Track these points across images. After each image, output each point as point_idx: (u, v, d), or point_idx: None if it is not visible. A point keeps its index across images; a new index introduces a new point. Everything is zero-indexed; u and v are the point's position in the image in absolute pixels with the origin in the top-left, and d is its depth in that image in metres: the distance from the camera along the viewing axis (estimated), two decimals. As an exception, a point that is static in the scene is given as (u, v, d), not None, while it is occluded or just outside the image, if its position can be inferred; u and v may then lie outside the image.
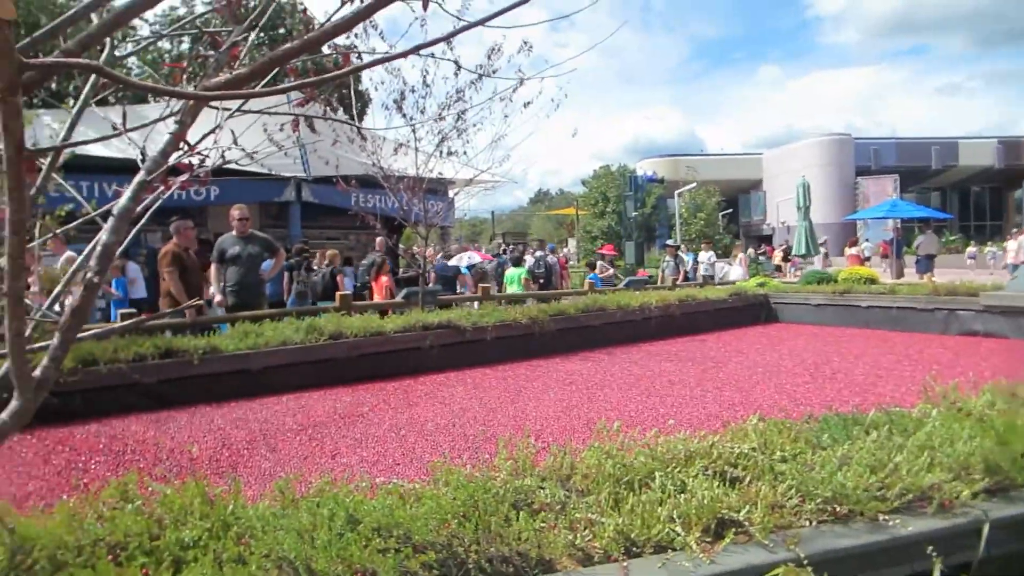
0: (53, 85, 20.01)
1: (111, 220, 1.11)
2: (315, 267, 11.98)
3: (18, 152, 0.77)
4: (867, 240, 30.33)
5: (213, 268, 7.93)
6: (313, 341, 6.90)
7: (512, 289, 12.90)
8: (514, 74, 8.09)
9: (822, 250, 20.89)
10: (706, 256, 18.07)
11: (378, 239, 11.45)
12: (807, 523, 2.28)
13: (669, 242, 18.35)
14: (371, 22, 8.36)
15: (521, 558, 2.03)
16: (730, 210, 41.42)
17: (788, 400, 5.92)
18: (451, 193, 15.89)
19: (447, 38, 1.66)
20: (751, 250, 26.14)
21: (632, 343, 9.30)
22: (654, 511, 2.24)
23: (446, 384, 6.76)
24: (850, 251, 21.76)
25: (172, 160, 1.29)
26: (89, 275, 1.03)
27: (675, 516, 2.21)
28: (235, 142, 1.81)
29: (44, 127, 11.63)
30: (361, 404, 5.88)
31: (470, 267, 15.08)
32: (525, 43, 8.40)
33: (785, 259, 25.33)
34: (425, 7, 1.90)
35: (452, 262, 15.39)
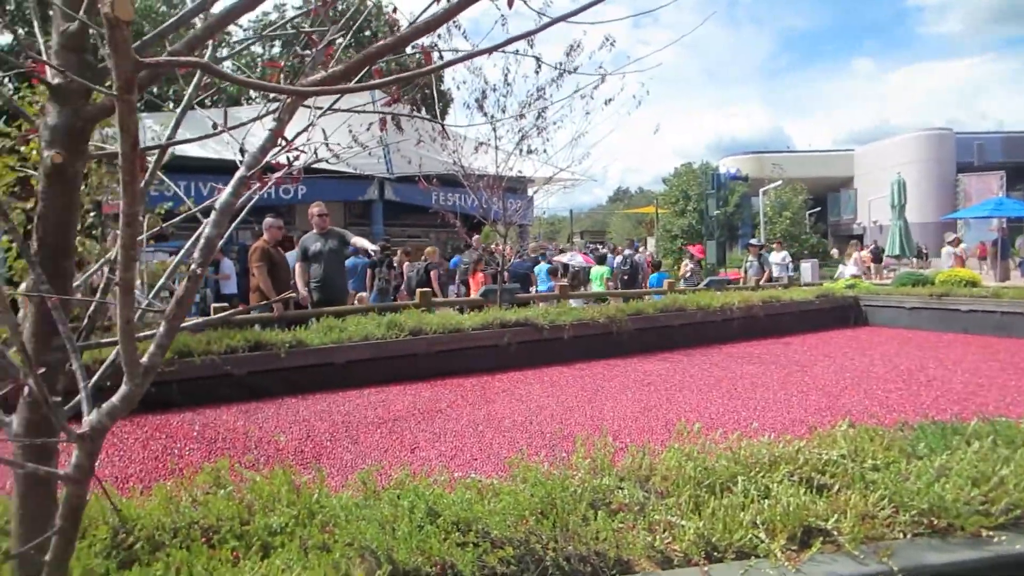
0: (154, 89, 21.18)
1: (213, 214, 1.16)
2: (395, 264, 12.22)
3: (133, 148, 0.82)
4: (962, 242, 28.72)
5: (298, 266, 8.19)
6: (394, 337, 7.04)
7: (594, 287, 13.03)
8: (595, 71, 8.04)
9: (920, 250, 19.86)
10: (779, 256, 17.19)
11: (475, 237, 11.65)
12: (901, 535, 2.17)
13: (752, 241, 17.75)
14: (454, 22, 8.49)
15: (599, 558, 2.02)
16: (818, 209, 39.93)
17: (879, 407, 5.67)
18: (530, 191, 15.93)
19: (529, 35, 1.66)
20: (864, 250, 24.87)
21: (712, 344, 9.10)
22: (736, 516, 2.18)
23: (523, 382, 6.78)
24: (952, 250, 20.54)
25: (268, 157, 1.35)
26: (192, 267, 1.09)
27: (758, 522, 2.15)
28: (326, 140, 1.87)
29: (146, 129, 12.31)
30: (439, 399, 5.97)
31: (564, 268, 15.08)
32: (607, 39, 8.34)
33: (875, 260, 24.19)
34: (510, 5, 1.91)
35: (560, 258, 15.67)
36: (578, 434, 4.48)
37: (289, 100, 1.26)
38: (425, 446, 4.51)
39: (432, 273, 11.77)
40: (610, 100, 8.63)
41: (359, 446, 4.53)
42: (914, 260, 23.24)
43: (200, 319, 2.23)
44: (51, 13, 1.27)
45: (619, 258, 15.64)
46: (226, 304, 8.71)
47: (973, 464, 2.50)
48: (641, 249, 23.32)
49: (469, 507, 2.18)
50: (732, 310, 9.83)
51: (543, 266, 14.24)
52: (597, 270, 14.07)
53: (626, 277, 14.64)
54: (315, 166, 2.71)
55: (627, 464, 2.62)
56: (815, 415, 5.42)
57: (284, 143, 1.42)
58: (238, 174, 1.23)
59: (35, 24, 1.50)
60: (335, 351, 6.63)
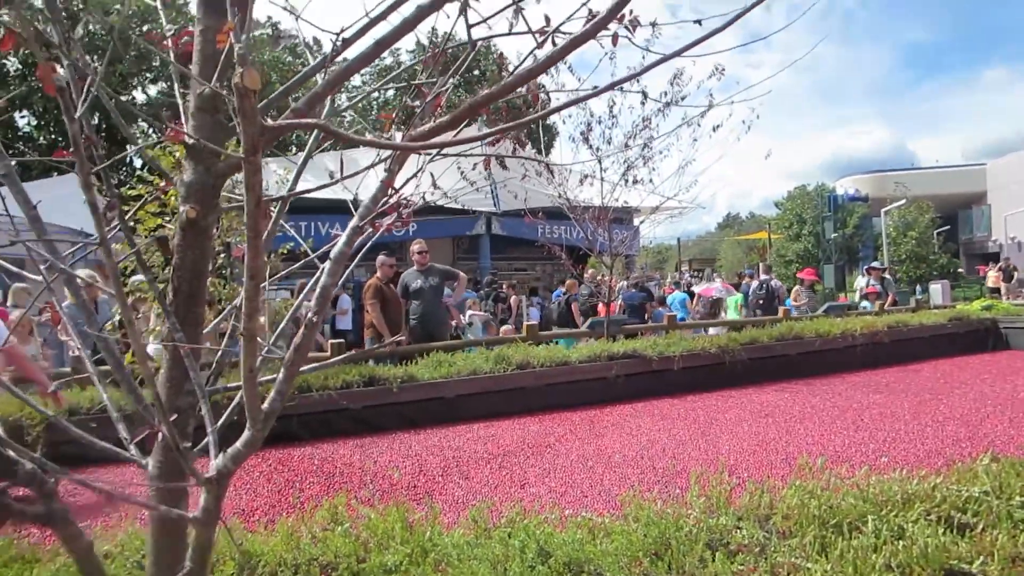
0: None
1: (328, 263, 1.23)
2: (503, 295, 12.40)
3: (257, 206, 0.88)
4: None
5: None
6: (501, 371, 7.10)
7: (729, 314, 13.07)
8: (704, 99, 7.96)
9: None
10: (863, 282, 15.82)
11: (589, 271, 11.75)
12: (1058, 583, 1.97)
13: (875, 264, 16.71)
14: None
15: (718, 601, 1.94)
16: (947, 227, 37.44)
17: (1027, 438, 5.21)
18: (636, 221, 15.81)
19: (637, 75, 1.67)
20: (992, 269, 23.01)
21: (834, 373, 8.63)
22: (868, 558, 2.04)
23: (633, 415, 6.66)
24: None
25: (382, 206, 1.42)
26: (309, 315, 1.15)
27: (893, 565, 2.01)
28: (434, 184, 1.94)
29: (271, 173, 13.13)
30: (548, 434, 5.95)
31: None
32: (716, 68, 8.23)
33: (1007, 279, 22.29)
34: (614, 42, 1.93)
35: (699, 289, 15.79)
36: (692, 469, 4.36)
37: (398, 152, 1.33)
38: (535, 481, 4.50)
39: (573, 305, 12.04)
40: (718, 127, 8.48)
41: (470, 481, 4.57)
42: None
43: (315, 364, 2.34)
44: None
45: (755, 283, 15.37)
46: (342, 340, 9.05)
47: None
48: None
49: (580, 547, 2.15)
50: (854, 337, 9.32)
51: (678, 295, 14.50)
52: (732, 297, 14.11)
53: (762, 302, 14.29)
54: (429, 204, 2.81)
55: (745, 502, 2.51)
56: (953, 446, 5.04)
57: (394, 192, 1.48)
58: (351, 224, 1.30)
59: (175, 81, 1.65)
60: (444, 385, 6.76)
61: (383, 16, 1.25)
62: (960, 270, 31.72)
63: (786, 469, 4.52)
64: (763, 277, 15.55)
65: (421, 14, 1.15)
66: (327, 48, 1.40)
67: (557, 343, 9.18)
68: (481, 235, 17.08)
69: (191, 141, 1.23)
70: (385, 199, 1.45)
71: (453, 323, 10.78)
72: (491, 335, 10.88)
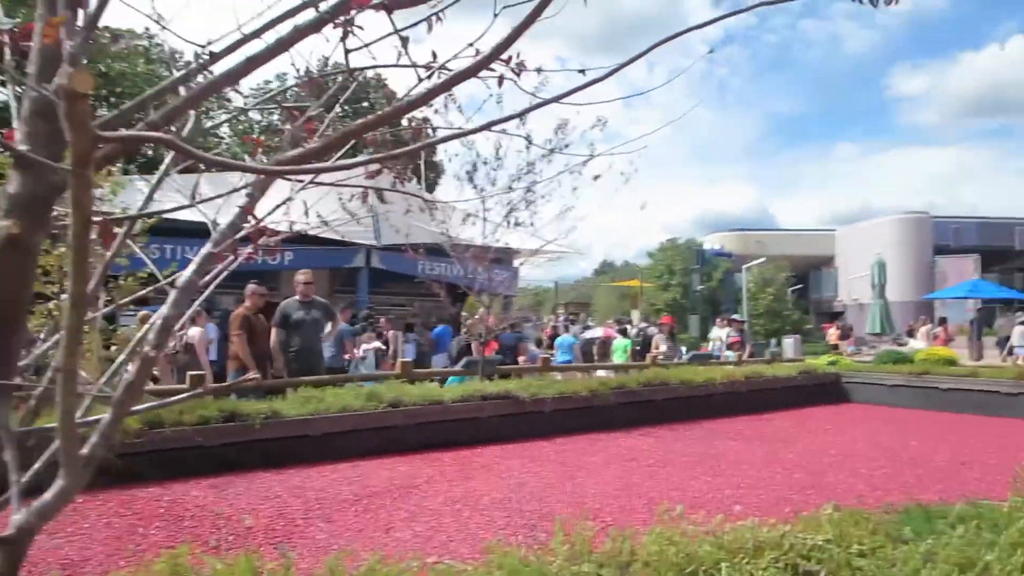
0: (150, 152, 21.36)
1: (173, 293, 1.12)
2: (379, 330, 12.16)
3: (84, 226, 0.79)
4: (931, 323, 29.16)
5: (274, 332, 8.09)
6: (372, 408, 6.92)
7: (616, 358, 13.96)
8: (586, 148, 8.23)
9: (910, 328, 20.01)
10: (722, 333, 16.39)
11: (480, 311, 11.72)
12: (888, 628, 2.10)
13: (735, 316, 17.73)
14: (450, 96, 8.68)
15: (576, 651, 1.92)
16: (800, 286, 40.42)
17: (864, 485, 5.60)
18: (516, 263, 16.04)
19: (518, 116, 1.68)
20: (832, 327, 25.05)
21: (695, 420, 9.01)
22: (719, 606, 2.10)
23: (504, 456, 6.65)
24: (928, 330, 20.60)
25: (242, 232, 1.33)
26: (146, 349, 1.04)
27: (742, 613, 2.07)
28: (306, 213, 1.85)
29: (137, 192, 12.32)
30: (417, 475, 5.82)
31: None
32: (599, 119, 8.55)
33: (843, 337, 24.39)
34: (500, 84, 1.94)
35: (587, 334, 16.50)
36: (558, 514, 4.37)
37: (262, 177, 1.25)
38: (400, 526, 4.36)
39: (474, 344, 12.06)
40: (598, 177, 8.77)
41: (332, 525, 4.36)
42: (892, 338, 23.44)
43: (156, 402, 2.16)
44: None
45: (634, 330, 16.33)
46: (201, 372, 8.54)
47: (959, 549, 2.44)
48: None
49: (441, 594, 2.08)
50: (715, 385, 9.80)
51: (566, 337, 15.10)
52: (619, 342, 14.87)
53: (639, 348, 15.03)
54: (303, 233, 2.69)
55: (608, 548, 2.53)
56: (799, 493, 5.34)
57: (255, 220, 1.40)
58: (203, 251, 1.20)
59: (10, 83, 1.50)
60: (312, 423, 6.49)
61: (257, 34, 1.19)
62: (809, 326, 34.22)
63: (647, 513, 4.62)
64: (642, 324, 16.32)
65: (297, 35, 1.10)
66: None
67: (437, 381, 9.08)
68: (360, 268, 16.75)
69: (21, 147, 1.11)
70: (246, 226, 1.36)
71: (347, 356, 10.50)
72: (386, 369, 10.65)
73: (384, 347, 12.04)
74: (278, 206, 1.62)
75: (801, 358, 15.18)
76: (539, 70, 1.88)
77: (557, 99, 1.74)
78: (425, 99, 1.15)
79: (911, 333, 23.32)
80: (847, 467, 6.32)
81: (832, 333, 25.31)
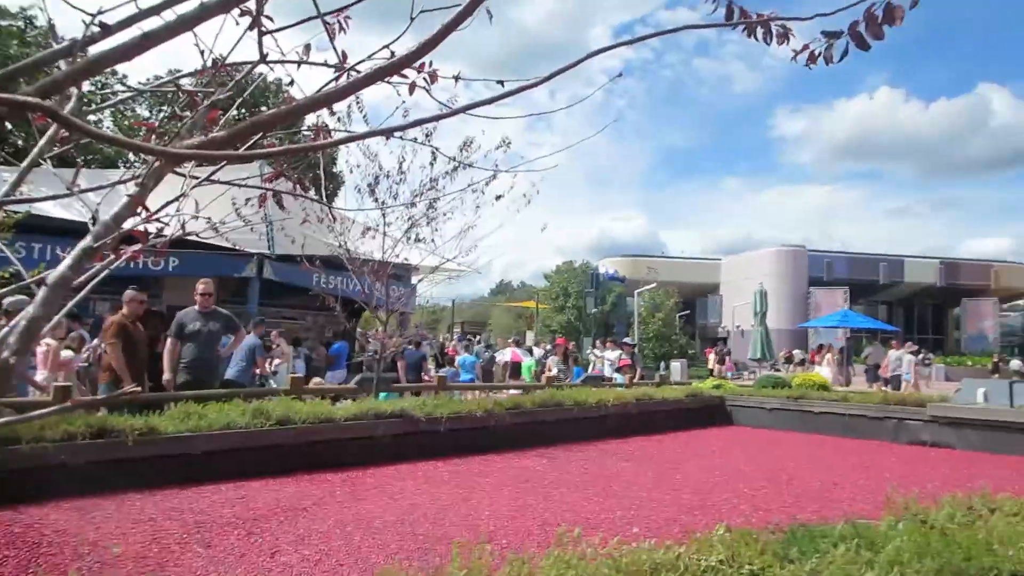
0: (20, 142, 19.77)
1: (43, 290, 0.98)
2: (270, 344, 11.70)
3: None
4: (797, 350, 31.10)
5: (169, 342, 7.66)
6: (259, 426, 6.59)
7: (524, 378, 14.72)
8: (491, 167, 8.26)
9: (780, 356, 21.12)
10: (613, 355, 16.61)
11: (377, 327, 11.46)
12: (779, 647, 2.14)
13: (626, 340, 18.24)
14: (357, 102, 8.50)
15: None
16: (687, 312, 42.06)
17: (747, 505, 5.80)
18: (414, 279, 15.87)
19: (417, 124, 1.62)
20: (712, 352, 26.34)
21: (588, 441, 9.13)
22: (618, 630, 2.08)
23: (396, 477, 6.48)
24: (831, 356, 21.33)
25: (128, 227, 1.19)
26: (6, 355, 0.90)
27: (641, 636, 2.06)
28: (197, 212, 1.71)
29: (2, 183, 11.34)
30: (306, 496, 5.57)
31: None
32: (504, 140, 8.59)
33: (720, 362, 25.69)
34: (411, 91, 1.88)
35: (500, 357, 17.02)
36: (454, 537, 4.28)
37: (157, 164, 1.14)
38: (287, 550, 4.14)
39: (400, 361, 11.89)
40: (500, 196, 8.80)
41: (212, 551, 4.08)
42: (769, 364, 24.73)
43: (13, 417, 1.94)
44: None
45: (540, 351, 17.03)
46: (68, 384, 7.92)
47: (841, 568, 2.54)
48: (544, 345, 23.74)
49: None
50: (607, 407, 9.97)
51: (468, 357, 15.61)
52: (527, 362, 15.56)
53: (540, 370, 15.58)
54: (189, 238, 2.52)
55: (505, 573, 2.48)
56: (687, 514, 5.46)
57: (145, 213, 1.27)
58: (81, 244, 1.07)
59: None
60: (192, 440, 6.10)
61: (157, 10, 1.08)
62: (695, 351, 35.65)
63: (542, 535, 4.60)
64: (548, 347, 16.75)
65: (204, 13, 1.00)
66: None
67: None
68: (251, 278, 16.09)
69: None
70: (135, 221, 1.23)
71: (257, 371, 10.07)
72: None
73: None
74: (170, 202, 1.48)
75: (688, 381, 15.74)
76: (456, 78, 1.84)
77: (464, 109, 1.69)
78: (337, 96, 1.07)
79: (789, 360, 24.77)
80: (731, 488, 6.53)
81: (711, 358, 26.56)
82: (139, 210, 1.20)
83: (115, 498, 5.20)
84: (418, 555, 4.07)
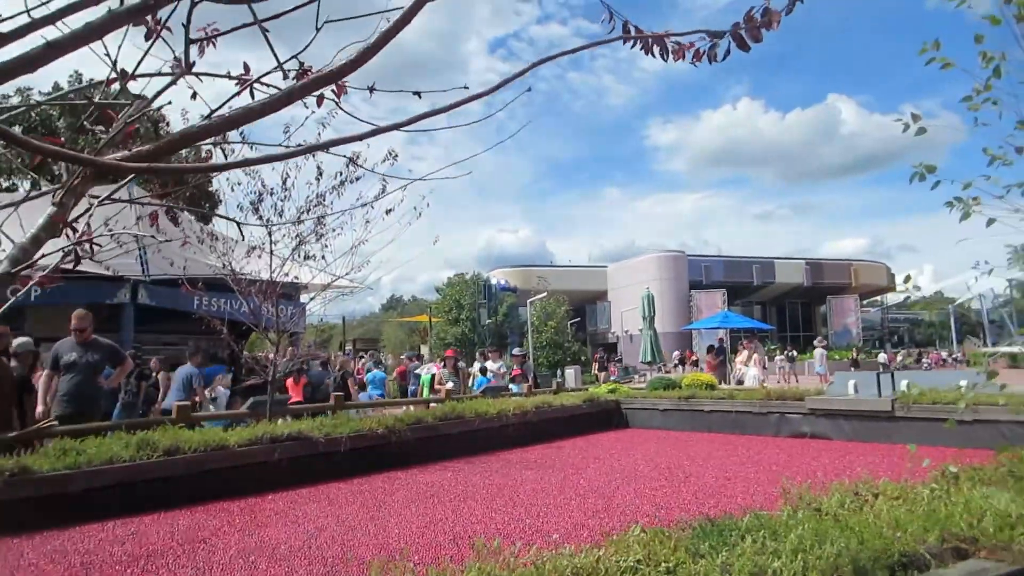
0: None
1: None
2: (147, 372, 11.06)
3: None
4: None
5: (44, 375, 7.17)
6: (145, 458, 6.21)
7: (426, 392, 14.97)
8: (377, 182, 8.16)
9: (675, 358, 21.88)
10: (495, 366, 16.62)
11: (289, 349, 10.98)
12: (699, 638, 2.23)
13: (516, 351, 18.45)
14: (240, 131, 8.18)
15: None
16: (578, 319, 43.09)
17: (649, 504, 5.98)
18: (304, 298, 15.45)
19: (354, 139, 1.60)
20: (597, 358, 27.17)
21: (492, 451, 9.15)
22: (548, 637, 2.10)
23: (298, 501, 6.26)
24: (757, 357, 21.58)
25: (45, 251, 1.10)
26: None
27: (569, 641, 2.09)
28: (91, 244, 1.58)
29: None
30: (203, 527, 5.28)
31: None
32: (390, 152, 8.49)
33: (601, 369, 26.61)
34: (319, 104, 1.84)
35: (420, 371, 17.01)
36: (371, 559, 4.18)
37: (76, 181, 1.06)
38: (186, 586, 3.92)
39: (348, 380, 11.69)
40: (390, 210, 8.70)
41: (102, 593, 3.81)
42: (659, 366, 25.67)
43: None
44: None
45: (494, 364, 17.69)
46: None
47: (751, 559, 2.66)
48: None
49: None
50: (508, 416, 10.03)
51: (377, 373, 15.87)
52: (425, 375, 15.89)
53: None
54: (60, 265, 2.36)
55: (429, 590, 2.45)
56: (593, 517, 5.56)
57: (69, 230, 1.17)
58: (0, 269, 0.98)
59: None
60: (71, 478, 5.67)
61: (53, 19, 1.01)
62: (586, 357, 36.52)
63: (455, 549, 4.57)
64: (449, 361, 16.93)
65: (111, 22, 0.94)
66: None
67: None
68: (124, 303, 15.16)
69: None
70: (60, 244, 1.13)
71: (197, 399, 9.56)
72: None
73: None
74: (79, 216, 1.37)
75: (584, 387, 16.08)
76: (371, 89, 1.81)
77: (402, 125, 1.70)
78: (274, 106, 1.04)
79: (683, 362, 25.80)
80: (633, 488, 6.72)
81: (595, 366, 27.36)
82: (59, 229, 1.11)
83: (-15, 546, 4.76)
84: (329, 580, 3.95)
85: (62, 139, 1.36)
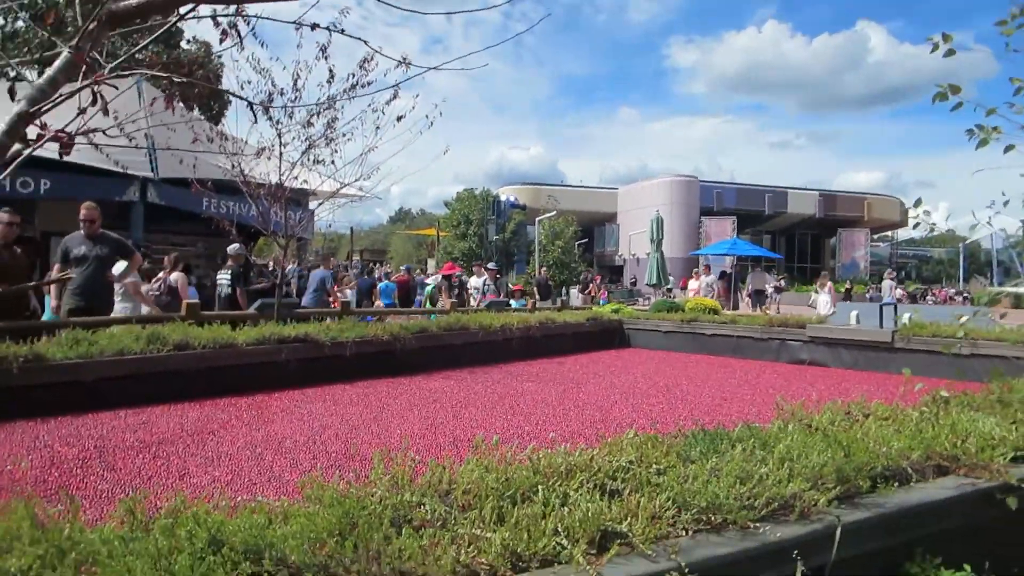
0: None
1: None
2: (161, 274, 11.17)
3: None
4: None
5: (55, 269, 7.26)
6: (156, 352, 6.36)
7: (428, 304, 16.13)
8: (390, 89, 8.01)
9: (705, 281, 21.89)
10: (479, 281, 17.22)
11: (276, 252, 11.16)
12: (684, 533, 2.32)
13: (490, 264, 18.79)
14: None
15: (405, 577, 1.92)
16: (586, 240, 42.97)
17: (645, 419, 6.12)
18: (312, 204, 15.41)
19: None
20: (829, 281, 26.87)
21: (494, 363, 9.33)
22: (539, 525, 2.20)
23: (304, 400, 6.44)
24: (692, 283, 22.71)
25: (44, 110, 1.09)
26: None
27: (560, 529, 2.18)
28: (105, 110, 1.57)
29: None
30: (211, 420, 5.46)
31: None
32: (403, 58, 8.27)
33: (582, 290, 26.84)
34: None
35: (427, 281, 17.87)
36: (371, 451, 4.33)
37: (93, 25, 1.04)
38: (196, 472, 4.08)
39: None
40: (402, 117, 8.56)
41: (117, 473, 3.97)
42: (665, 289, 25.78)
43: None
44: None
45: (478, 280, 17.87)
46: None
47: (739, 464, 2.75)
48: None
49: (260, 532, 1.97)
50: (512, 330, 10.17)
51: (388, 283, 16.51)
52: (427, 289, 17.27)
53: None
54: (67, 159, 2.35)
55: (427, 479, 2.54)
56: (590, 427, 5.72)
57: (94, 77, 1.16)
58: (16, 109, 0.98)
59: None
60: (83, 367, 5.83)
61: None
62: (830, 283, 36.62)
63: (454, 450, 4.73)
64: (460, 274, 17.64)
65: None
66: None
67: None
68: (134, 203, 15.15)
69: None
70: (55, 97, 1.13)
71: (330, 299, 10.26)
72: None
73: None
74: (79, 89, 1.36)
75: (588, 306, 16.21)
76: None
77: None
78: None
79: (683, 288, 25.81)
80: (630, 403, 6.88)
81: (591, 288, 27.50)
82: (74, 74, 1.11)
83: (3, 426, 4.94)
84: (331, 471, 4.11)
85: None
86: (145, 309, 8.41)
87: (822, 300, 17.57)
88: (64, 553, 1.87)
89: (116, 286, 8.00)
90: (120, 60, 1.41)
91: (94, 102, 1.39)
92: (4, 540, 1.90)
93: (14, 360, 5.39)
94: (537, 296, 17.84)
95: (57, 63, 1.04)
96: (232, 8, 2.07)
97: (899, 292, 35.36)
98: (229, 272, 11.28)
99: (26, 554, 1.83)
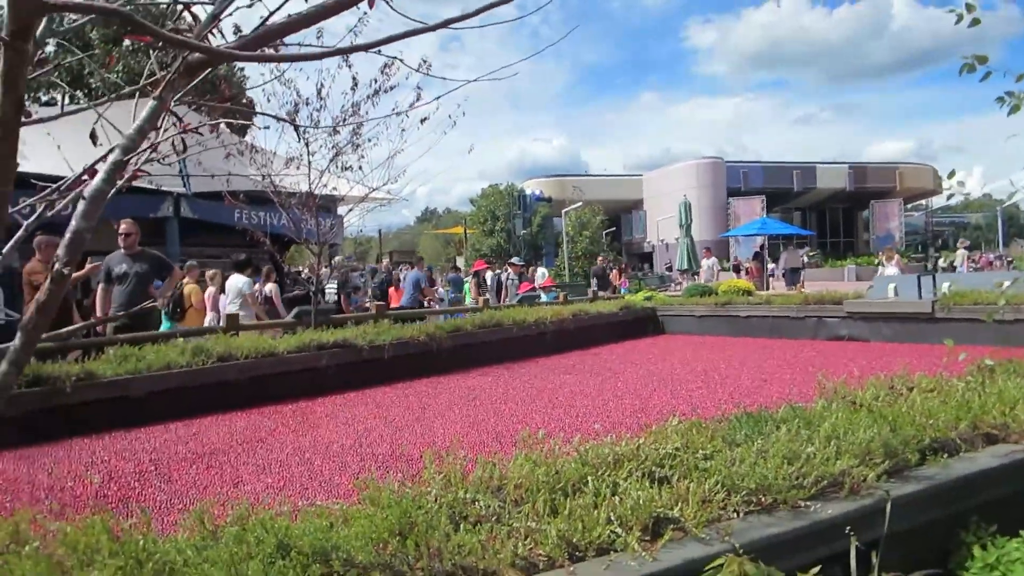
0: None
1: (81, 204, 0.98)
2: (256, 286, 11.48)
3: (17, 110, 0.66)
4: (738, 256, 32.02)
5: (99, 289, 7.48)
6: (200, 364, 6.52)
7: (467, 300, 16.30)
8: (412, 91, 8.09)
9: (705, 264, 21.66)
10: (489, 276, 18.53)
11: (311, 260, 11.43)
12: (735, 515, 2.35)
13: (515, 260, 19.06)
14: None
15: (466, 572, 1.98)
16: (613, 228, 42.80)
17: (685, 405, 6.12)
18: (341, 210, 15.59)
19: (332, 54, 1.61)
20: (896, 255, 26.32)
21: (529, 358, 9.37)
22: (591, 515, 2.24)
23: (346, 404, 6.55)
24: (709, 264, 22.10)
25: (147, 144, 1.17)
26: (58, 266, 0.90)
27: (613, 518, 2.23)
28: (184, 147, 1.64)
29: None
30: (259, 428, 5.60)
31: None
32: (424, 60, 8.35)
33: (603, 287, 26.66)
34: (371, 5, 1.85)
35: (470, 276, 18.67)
36: (417, 451, 4.41)
37: (172, 76, 1.11)
38: (250, 479, 4.19)
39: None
40: (426, 119, 8.63)
41: (173, 484, 4.11)
42: (691, 274, 25.61)
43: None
44: None
45: (491, 275, 18.72)
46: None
47: (785, 445, 2.77)
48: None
49: (324, 535, 2.05)
50: (545, 324, 10.20)
51: (455, 275, 18.01)
52: (468, 285, 17.32)
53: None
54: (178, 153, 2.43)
55: (478, 476, 2.60)
56: (631, 417, 5.74)
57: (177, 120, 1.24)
58: (111, 158, 1.06)
59: None
60: (132, 382, 6.00)
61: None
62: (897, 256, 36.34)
63: (497, 446, 4.78)
64: (498, 271, 17.76)
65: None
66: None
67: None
68: (168, 217, 15.47)
69: None
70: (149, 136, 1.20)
71: (426, 300, 10.94)
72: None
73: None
74: (170, 138, 1.43)
75: (620, 296, 16.17)
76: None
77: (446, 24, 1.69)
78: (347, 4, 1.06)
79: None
80: (669, 391, 6.88)
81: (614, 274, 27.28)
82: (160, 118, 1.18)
83: (60, 444, 5.12)
84: (379, 472, 4.19)
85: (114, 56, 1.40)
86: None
87: (889, 274, 17.24)
88: (142, 564, 1.96)
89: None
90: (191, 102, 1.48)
91: (183, 149, 1.47)
92: (85, 554, 2.00)
93: (67, 379, 5.57)
94: (595, 287, 18.05)
95: (144, 114, 1.11)
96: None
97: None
98: (335, 282, 11.71)
99: (107, 566, 1.92)
